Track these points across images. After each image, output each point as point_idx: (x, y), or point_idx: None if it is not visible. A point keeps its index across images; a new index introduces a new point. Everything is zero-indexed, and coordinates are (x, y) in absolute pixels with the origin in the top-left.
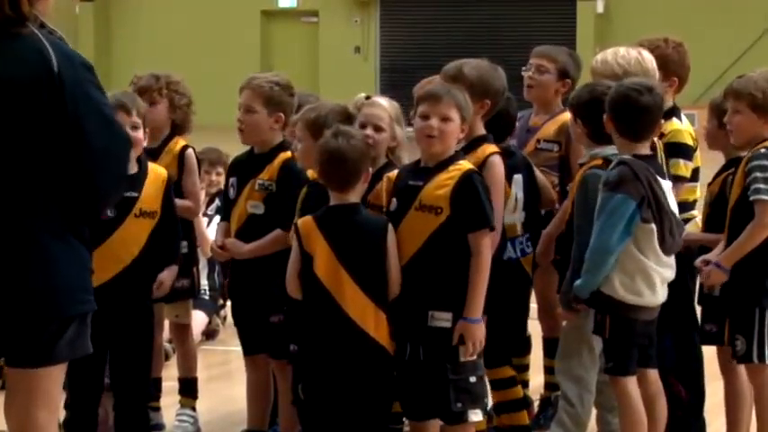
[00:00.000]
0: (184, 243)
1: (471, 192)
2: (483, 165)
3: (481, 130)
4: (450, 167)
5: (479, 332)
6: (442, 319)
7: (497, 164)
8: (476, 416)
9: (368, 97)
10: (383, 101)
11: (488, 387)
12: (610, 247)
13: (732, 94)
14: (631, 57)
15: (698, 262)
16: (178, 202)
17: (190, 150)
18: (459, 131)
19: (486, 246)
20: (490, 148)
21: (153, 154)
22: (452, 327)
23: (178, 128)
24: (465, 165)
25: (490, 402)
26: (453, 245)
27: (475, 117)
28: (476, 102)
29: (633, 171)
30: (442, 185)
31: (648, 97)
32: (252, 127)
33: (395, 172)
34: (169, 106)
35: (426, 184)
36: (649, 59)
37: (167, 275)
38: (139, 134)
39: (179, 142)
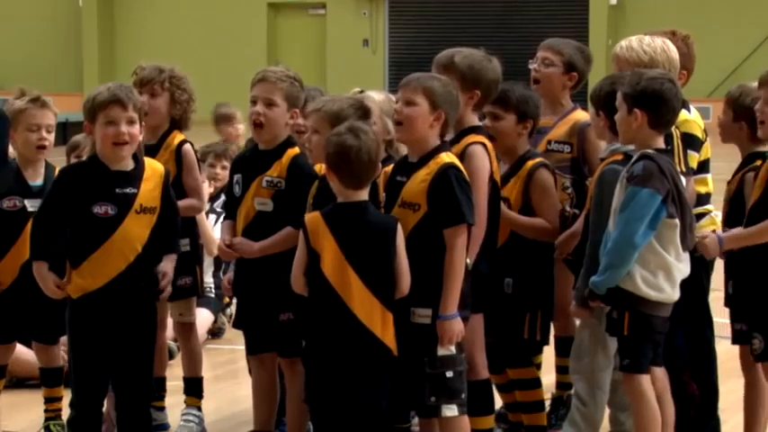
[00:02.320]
0: (186, 240)
1: (446, 187)
2: (463, 154)
3: (472, 121)
4: (431, 162)
5: (456, 327)
6: (423, 315)
7: (477, 153)
8: (450, 411)
9: (361, 91)
10: (375, 94)
11: (495, 388)
12: (635, 241)
13: (765, 85)
14: (657, 45)
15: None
16: (181, 202)
17: (187, 145)
18: (431, 118)
19: (461, 242)
20: (474, 137)
21: (151, 150)
22: (432, 323)
23: (176, 124)
24: (444, 158)
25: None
26: (431, 241)
27: (465, 108)
28: (466, 92)
29: (659, 165)
30: (420, 182)
31: (677, 89)
32: (273, 121)
33: (392, 167)
34: (170, 101)
35: (408, 180)
36: (673, 49)
37: (168, 265)
38: (135, 129)
39: (177, 137)
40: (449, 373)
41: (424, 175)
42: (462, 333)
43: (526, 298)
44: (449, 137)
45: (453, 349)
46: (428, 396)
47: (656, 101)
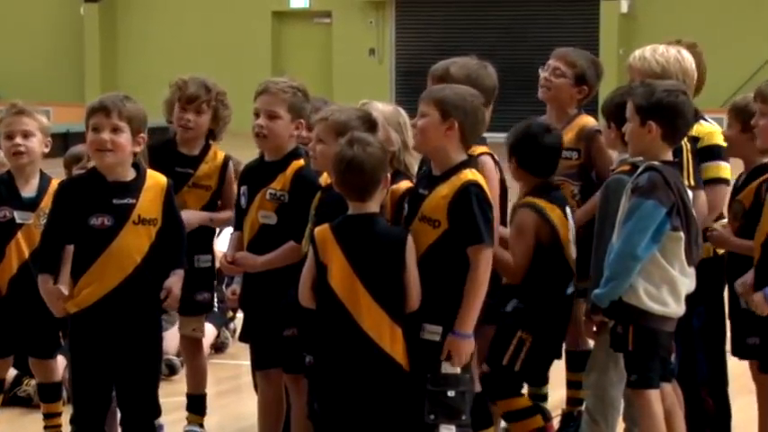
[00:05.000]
0: (209, 257)
1: (466, 204)
2: None
3: None
4: (453, 177)
5: (468, 347)
6: (433, 332)
7: (487, 163)
8: (447, 431)
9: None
10: (381, 105)
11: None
12: (637, 253)
13: (759, 97)
14: (670, 54)
15: (738, 285)
16: (223, 213)
17: (231, 163)
18: (443, 127)
19: (485, 261)
20: (480, 148)
21: (192, 162)
22: (441, 341)
23: (211, 135)
24: (467, 175)
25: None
26: (450, 259)
27: None
28: None
29: (664, 177)
30: (441, 197)
31: (690, 101)
32: (275, 133)
33: (401, 185)
34: (213, 117)
35: (430, 194)
36: (689, 59)
37: (174, 281)
38: (122, 138)
39: (219, 153)
40: (450, 392)
41: (445, 191)
42: (472, 354)
43: (521, 319)
44: None
45: (458, 368)
46: (427, 413)
47: (671, 113)
